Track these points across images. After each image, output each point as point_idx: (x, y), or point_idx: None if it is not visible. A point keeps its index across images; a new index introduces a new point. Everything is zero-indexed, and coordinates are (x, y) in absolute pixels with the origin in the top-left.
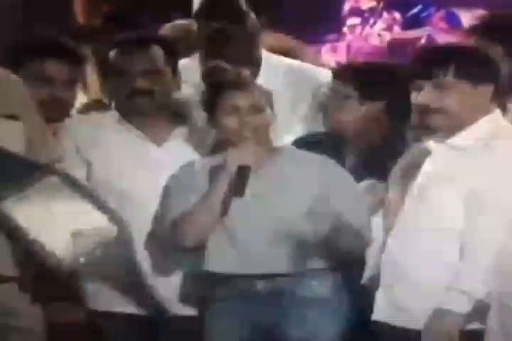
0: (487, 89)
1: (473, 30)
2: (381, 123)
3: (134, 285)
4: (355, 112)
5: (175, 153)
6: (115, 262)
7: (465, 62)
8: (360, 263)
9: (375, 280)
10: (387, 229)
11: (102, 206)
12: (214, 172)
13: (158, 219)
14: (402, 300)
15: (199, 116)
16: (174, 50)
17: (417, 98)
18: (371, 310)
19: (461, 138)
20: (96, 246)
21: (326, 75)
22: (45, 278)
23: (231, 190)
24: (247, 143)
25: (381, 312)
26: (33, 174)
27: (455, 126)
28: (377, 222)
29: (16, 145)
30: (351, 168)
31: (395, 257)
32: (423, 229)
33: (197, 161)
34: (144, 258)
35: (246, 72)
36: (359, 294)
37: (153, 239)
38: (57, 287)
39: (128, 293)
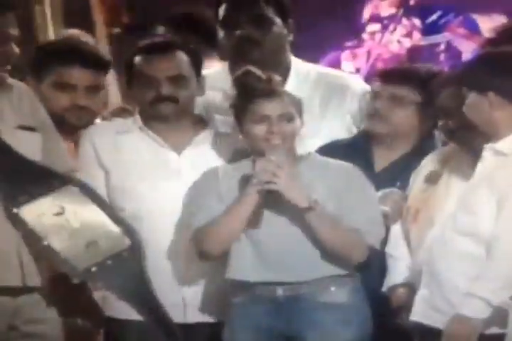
0: None
1: (494, 38)
2: (425, 124)
3: (142, 295)
4: (410, 113)
5: (194, 161)
6: (125, 273)
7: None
8: (378, 269)
9: (399, 289)
10: (407, 238)
11: (117, 218)
12: (242, 183)
13: (183, 226)
14: (439, 302)
15: (223, 122)
16: (198, 56)
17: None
18: (390, 316)
19: (506, 143)
20: (108, 256)
21: (355, 81)
22: (65, 288)
23: (262, 202)
24: (277, 153)
25: (419, 313)
26: (51, 182)
27: (499, 132)
28: (396, 231)
29: (33, 156)
30: (380, 172)
31: (435, 258)
32: (459, 232)
33: (220, 168)
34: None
35: (277, 78)
36: (378, 300)
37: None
38: (76, 298)
39: (136, 303)
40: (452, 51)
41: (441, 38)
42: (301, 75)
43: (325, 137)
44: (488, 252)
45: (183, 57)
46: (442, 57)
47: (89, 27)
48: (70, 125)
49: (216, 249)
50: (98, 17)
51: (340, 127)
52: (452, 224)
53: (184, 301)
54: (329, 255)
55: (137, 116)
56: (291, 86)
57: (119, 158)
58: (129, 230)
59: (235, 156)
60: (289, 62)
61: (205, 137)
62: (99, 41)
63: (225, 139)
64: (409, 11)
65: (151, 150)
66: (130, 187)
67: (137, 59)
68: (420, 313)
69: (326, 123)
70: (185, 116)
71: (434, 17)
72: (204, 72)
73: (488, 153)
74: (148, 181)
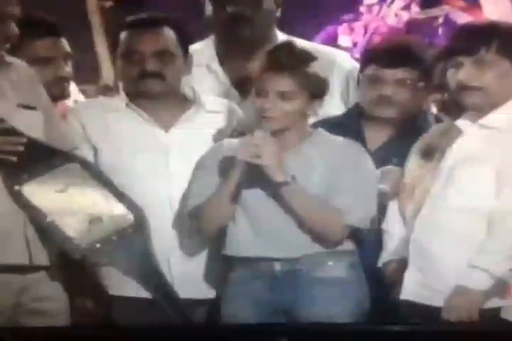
0: None
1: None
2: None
3: (147, 270)
4: (416, 93)
5: (182, 138)
6: (130, 248)
7: (506, 40)
8: (375, 244)
9: (393, 265)
10: (403, 214)
11: (120, 194)
12: (229, 162)
13: (182, 201)
14: (430, 279)
15: (207, 99)
16: (186, 33)
17: (454, 75)
18: (387, 290)
19: (495, 118)
20: (112, 232)
21: (342, 57)
22: (70, 267)
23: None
24: (264, 129)
25: (409, 291)
26: (53, 160)
27: (491, 104)
28: (393, 208)
29: (35, 134)
30: (375, 150)
31: (423, 237)
32: (452, 209)
33: (225, 142)
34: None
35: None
36: (375, 275)
37: (179, 219)
38: (81, 275)
39: (141, 279)
40: (451, 24)
41: (439, 11)
42: None
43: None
44: (490, 227)
45: (170, 33)
46: (440, 30)
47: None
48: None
49: (212, 226)
50: None
51: (328, 102)
52: (442, 201)
53: (172, 278)
54: (306, 232)
55: (123, 94)
56: None
57: (107, 135)
58: (132, 206)
59: (224, 133)
60: (275, 37)
61: (191, 115)
62: (91, 14)
63: (213, 117)
64: None
65: (139, 127)
66: (120, 163)
67: (123, 34)
68: (411, 292)
69: None
70: (172, 94)
71: None
72: None
73: (475, 128)
74: (138, 158)
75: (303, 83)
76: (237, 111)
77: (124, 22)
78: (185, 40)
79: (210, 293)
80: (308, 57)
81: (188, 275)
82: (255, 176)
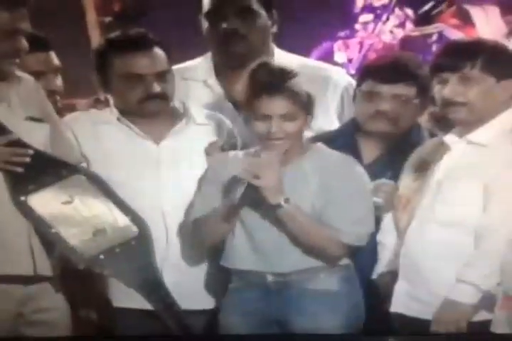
0: (509, 85)
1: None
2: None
3: (149, 283)
4: (413, 108)
5: (173, 151)
6: (133, 260)
7: (491, 57)
8: (369, 257)
9: (387, 277)
10: (398, 226)
11: (124, 206)
12: (232, 178)
13: (187, 211)
14: (419, 292)
15: (201, 113)
16: (169, 50)
17: (441, 91)
18: (381, 302)
19: (481, 133)
20: (116, 244)
21: (337, 73)
22: (74, 278)
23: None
24: (270, 152)
25: (399, 304)
26: (60, 172)
27: (476, 120)
28: (388, 220)
29: (41, 146)
30: (371, 163)
31: (412, 250)
32: (440, 223)
33: (231, 154)
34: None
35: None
36: (369, 287)
37: (183, 230)
38: (85, 287)
39: (143, 291)
40: (445, 41)
41: (433, 29)
42: None
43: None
44: (478, 241)
45: (160, 52)
46: (434, 47)
47: (80, 15)
48: None
49: (211, 238)
50: (89, 5)
51: (323, 118)
52: (431, 215)
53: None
54: (305, 249)
55: (113, 108)
56: None
57: (98, 147)
58: (136, 219)
59: (214, 147)
60: (272, 53)
61: (182, 128)
62: (90, 29)
63: (203, 130)
64: (401, 1)
65: (129, 140)
66: (111, 176)
67: (114, 56)
68: (401, 305)
69: None
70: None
71: (426, 7)
72: (185, 63)
73: (462, 144)
74: (128, 171)
75: (297, 102)
76: (227, 124)
77: (109, 41)
78: (170, 55)
79: (203, 304)
80: (290, 73)
81: (180, 287)
82: (255, 194)
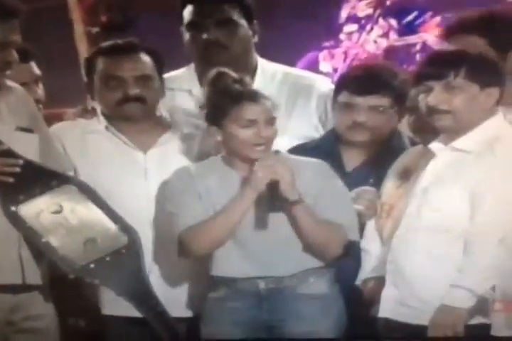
0: (493, 93)
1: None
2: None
3: (140, 291)
4: (389, 118)
5: (160, 161)
6: (123, 269)
7: (475, 65)
8: (353, 261)
9: (371, 283)
10: (381, 233)
11: (114, 215)
12: (221, 181)
13: (163, 225)
14: (407, 298)
15: (187, 123)
16: (159, 57)
17: (425, 99)
18: (364, 308)
19: (466, 141)
20: (107, 253)
21: (321, 82)
22: (64, 286)
23: (258, 203)
24: (270, 157)
25: (387, 309)
26: (49, 181)
27: (461, 127)
28: (370, 227)
29: (31, 156)
30: (352, 171)
31: (399, 257)
32: (426, 230)
33: (191, 167)
34: (149, 267)
35: (248, 79)
36: (352, 292)
37: (160, 247)
38: (74, 295)
39: (134, 299)
40: (428, 51)
41: (417, 39)
42: (268, 75)
43: (292, 135)
44: (467, 246)
45: (146, 58)
46: (418, 57)
47: (67, 26)
48: None
49: (207, 248)
50: (76, 16)
51: (306, 126)
52: (417, 222)
53: None
54: (308, 249)
55: (101, 117)
56: (257, 86)
57: (86, 156)
58: (126, 228)
59: (201, 157)
60: (255, 62)
61: (169, 138)
62: (78, 40)
63: (189, 140)
64: (385, 12)
65: (117, 149)
66: (99, 185)
67: (101, 60)
68: (389, 310)
69: (292, 122)
70: (150, 117)
71: (410, 17)
72: (170, 73)
73: (447, 151)
74: (116, 180)
75: (272, 105)
76: None
77: (99, 48)
78: (159, 64)
79: (188, 312)
80: (247, 79)
81: (166, 294)
82: (271, 203)
